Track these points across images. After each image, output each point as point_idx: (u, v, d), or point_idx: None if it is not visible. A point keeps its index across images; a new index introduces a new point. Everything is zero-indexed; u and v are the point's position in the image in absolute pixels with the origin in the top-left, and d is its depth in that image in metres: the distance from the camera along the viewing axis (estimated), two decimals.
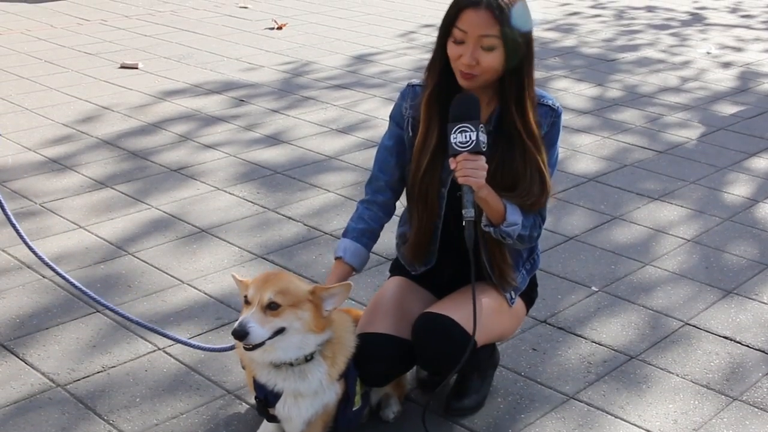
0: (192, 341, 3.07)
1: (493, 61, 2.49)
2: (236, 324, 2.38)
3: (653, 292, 3.82)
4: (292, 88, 6.81)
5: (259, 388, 2.59)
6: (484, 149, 2.48)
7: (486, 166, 2.50)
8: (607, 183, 5.05)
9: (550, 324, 3.53)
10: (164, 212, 4.50)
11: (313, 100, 6.49)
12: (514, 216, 2.60)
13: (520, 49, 2.50)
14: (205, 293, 3.71)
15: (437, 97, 2.62)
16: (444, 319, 2.65)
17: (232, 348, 2.79)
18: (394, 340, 2.72)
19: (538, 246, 2.91)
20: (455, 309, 2.69)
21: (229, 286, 3.76)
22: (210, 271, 3.90)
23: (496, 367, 3.11)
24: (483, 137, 2.48)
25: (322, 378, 2.57)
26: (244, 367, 2.69)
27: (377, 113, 6.19)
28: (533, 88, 2.61)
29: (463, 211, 2.49)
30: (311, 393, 2.57)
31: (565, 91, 6.91)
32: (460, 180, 2.48)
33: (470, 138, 2.46)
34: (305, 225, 4.39)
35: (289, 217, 4.47)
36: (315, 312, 2.51)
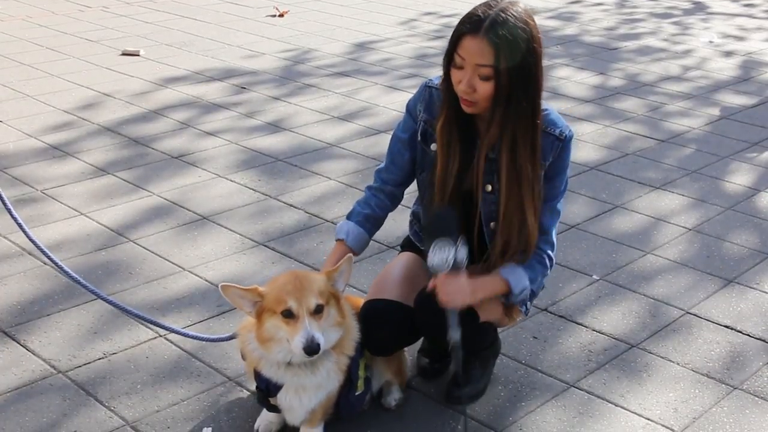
0: (189, 331, 3.07)
1: (489, 90, 2.45)
2: (302, 342, 2.34)
3: (654, 281, 3.81)
4: (293, 75, 6.78)
5: (261, 377, 2.57)
6: (463, 266, 2.47)
7: (467, 284, 2.50)
8: (608, 172, 5.04)
9: (551, 312, 3.53)
10: (165, 199, 4.49)
11: (314, 88, 6.47)
12: (519, 283, 2.62)
13: (516, 82, 2.44)
14: (206, 280, 3.70)
15: (451, 123, 2.60)
16: None
17: (231, 338, 2.79)
18: (400, 306, 2.73)
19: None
20: None
21: (230, 273, 3.75)
22: (211, 258, 3.89)
23: (498, 355, 3.10)
24: (462, 253, 2.47)
25: (330, 369, 2.55)
26: (243, 358, 2.67)
27: (378, 101, 6.15)
28: (537, 119, 2.53)
29: (448, 334, 2.50)
30: (315, 385, 2.55)
31: (567, 79, 6.89)
32: (442, 302, 2.48)
33: (447, 258, 2.44)
34: (306, 212, 4.38)
35: (290, 205, 4.46)
36: (337, 301, 2.51)
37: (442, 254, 2.45)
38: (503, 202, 2.57)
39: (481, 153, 2.61)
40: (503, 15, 2.40)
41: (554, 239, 2.70)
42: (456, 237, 2.46)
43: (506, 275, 2.61)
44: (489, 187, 2.64)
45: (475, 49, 2.41)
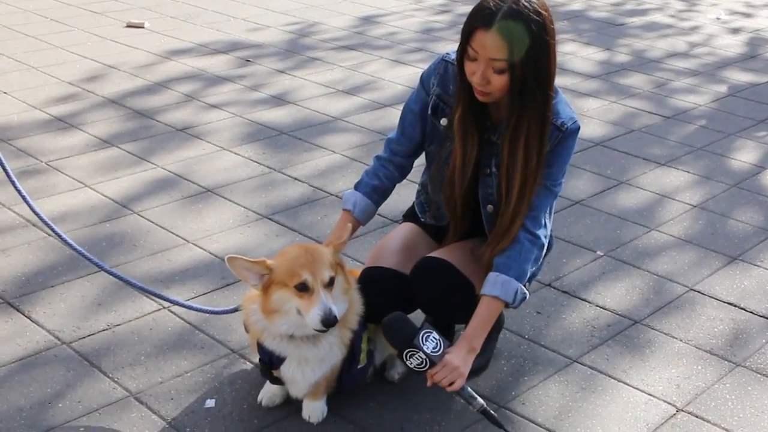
0: (193, 304, 3.06)
1: (504, 82, 2.43)
2: (320, 314, 2.35)
3: (658, 258, 3.80)
4: (298, 48, 6.75)
5: (264, 350, 2.57)
6: (438, 357, 2.47)
7: (458, 354, 2.49)
8: (613, 148, 5.02)
9: (554, 287, 3.53)
10: (169, 171, 4.48)
11: (319, 61, 6.44)
12: (509, 289, 2.57)
13: (530, 74, 2.41)
14: (210, 253, 3.70)
15: (468, 113, 2.58)
16: (442, 262, 2.67)
17: (235, 310, 2.80)
18: (396, 275, 2.73)
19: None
20: (454, 255, 2.71)
21: (234, 245, 3.75)
22: (215, 231, 3.88)
23: (501, 329, 3.11)
24: (432, 343, 2.47)
25: (332, 343, 2.55)
26: (247, 331, 2.66)
27: (383, 74, 6.12)
28: (548, 110, 2.51)
29: (472, 405, 2.52)
30: (318, 358, 2.55)
31: (573, 54, 6.85)
32: (450, 390, 2.50)
33: (421, 359, 2.46)
34: (310, 186, 4.37)
35: (295, 178, 4.46)
36: (344, 273, 2.52)
37: (416, 357, 2.47)
38: (505, 186, 2.56)
39: (491, 137, 2.61)
40: (516, 7, 2.36)
41: (545, 221, 2.64)
42: (416, 332, 2.47)
43: (491, 292, 2.57)
44: (488, 170, 2.64)
45: (488, 44, 2.38)
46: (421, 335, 2.47)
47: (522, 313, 3.31)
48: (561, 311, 3.36)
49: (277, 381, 2.67)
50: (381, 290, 2.71)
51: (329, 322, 2.36)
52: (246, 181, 4.41)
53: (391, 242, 2.88)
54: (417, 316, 2.82)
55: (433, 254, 2.74)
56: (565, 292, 3.50)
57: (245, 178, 4.45)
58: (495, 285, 2.57)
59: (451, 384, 2.48)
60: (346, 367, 2.65)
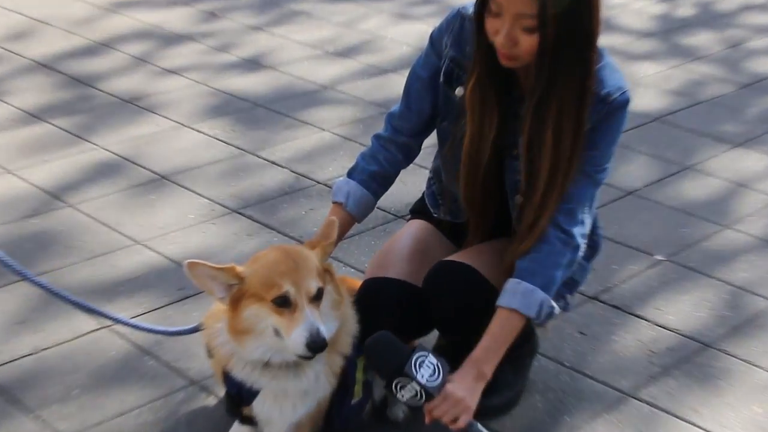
0: (142, 322, 3.06)
1: (533, 44, 2.43)
2: (305, 336, 2.32)
3: (733, 263, 3.79)
4: None
5: (231, 381, 2.54)
6: (437, 387, 2.46)
7: (462, 385, 2.49)
8: (675, 124, 5.02)
9: (601, 301, 3.51)
10: (114, 153, 4.48)
11: (304, 15, 6.43)
12: (532, 301, 2.56)
13: (565, 35, 2.41)
14: (165, 257, 3.69)
15: (485, 81, 2.58)
16: (464, 267, 2.69)
17: (195, 330, 2.78)
18: (406, 286, 2.76)
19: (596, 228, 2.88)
20: (479, 259, 2.73)
21: (196, 247, 3.74)
22: (171, 229, 3.87)
23: (534, 354, 3.09)
24: (427, 370, 2.46)
25: (319, 371, 2.52)
26: (210, 356, 2.64)
27: (385, 32, 6.11)
28: (588, 80, 2.50)
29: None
30: (301, 392, 2.53)
31: (622, 7, 6.85)
32: (456, 428, 2.50)
33: (415, 390, 2.45)
34: (292, 172, 4.38)
35: (272, 162, 4.46)
36: (334, 282, 2.52)
37: (409, 389, 2.45)
38: (529, 172, 2.60)
39: (518, 110, 2.61)
40: None
41: (583, 216, 2.64)
42: (407, 356, 2.46)
43: (509, 304, 2.56)
44: (515, 151, 2.66)
45: None
46: (413, 360, 2.46)
47: (561, 334, 3.29)
48: (611, 331, 3.35)
49: (249, 421, 2.64)
50: (385, 306, 2.72)
51: (317, 345, 2.33)
52: (211, 166, 4.41)
53: (397, 245, 2.90)
54: (431, 340, 2.79)
55: (451, 258, 2.75)
56: (615, 306, 3.49)
57: (210, 162, 4.45)
58: (514, 295, 2.57)
59: (454, 420, 2.47)
60: (336, 402, 2.63)
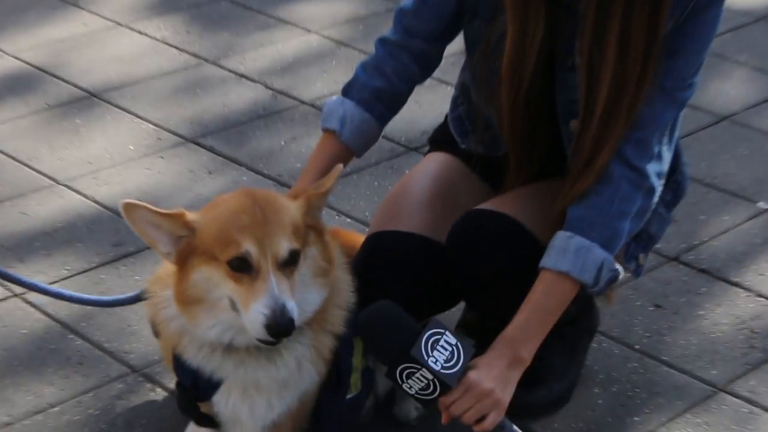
0: (65, 290, 3.01)
1: None
2: (264, 314, 2.25)
3: None
4: None
5: (184, 368, 2.48)
6: (455, 375, 2.42)
7: (489, 372, 2.45)
8: None
9: (685, 264, 3.49)
10: (26, 63, 4.49)
11: None
12: (589, 262, 2.52)
13: None
14: (96, 201, 3.70)
15: None
16: (501, 218, 2.67)
17: (137, 300, 2.77)
18: (427, 244, 2.74)
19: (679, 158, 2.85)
20: (519, 205, 2.73)
21: (136, 187, 3.71)
22: (104, 165, 3.89)
23: (593, 334, 3.08)
24: (443, 353, 2.41)
25: (302, 356, 2.45)
26: (157, 335, 2.60)
27: None
28: None
29: None
30: (277, 384, 2.46)
31: None
32: (479, 430, 2.48)
33: (427, 380, 2.41)
34: (267, 88, 4.34)
35: (241, 75, 4.43)
36: (323, 242, 2.45)
37: (418, 378, 2.40)
38: (586, 88, 2.55)
39: (576, 6, 2.56)
40: None
41: (660, 149, 2.61)
42: (416, 335, 2.41)
43: (557, 265, 2.53)
44: (569, 61, 2.62)
45: None
46: (424, 340, 2.41)
47: (630, 307, 3.30)
48: (697, 304, 3.32)
49: (208, 421, 2.60)
50: (395, 269, 2.69)
51: (279, 328, 2.25)
52: (157, 80, 4.38)
53: (411, 188, 2.90)
54: (454, 315, 2.66)
55: (485, 205, 2.71)
56: (703, 271, 3.47)
57: (156, 74, 4.42)
58: (564, 253, 2.53)
59: (480, 420, 2.44)
60: (326, 397, 2.60)
